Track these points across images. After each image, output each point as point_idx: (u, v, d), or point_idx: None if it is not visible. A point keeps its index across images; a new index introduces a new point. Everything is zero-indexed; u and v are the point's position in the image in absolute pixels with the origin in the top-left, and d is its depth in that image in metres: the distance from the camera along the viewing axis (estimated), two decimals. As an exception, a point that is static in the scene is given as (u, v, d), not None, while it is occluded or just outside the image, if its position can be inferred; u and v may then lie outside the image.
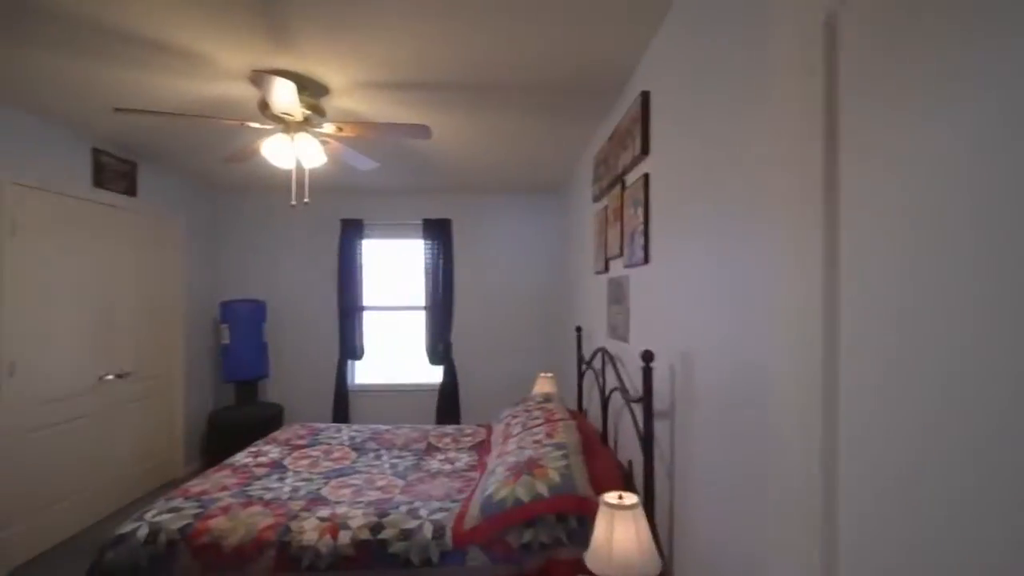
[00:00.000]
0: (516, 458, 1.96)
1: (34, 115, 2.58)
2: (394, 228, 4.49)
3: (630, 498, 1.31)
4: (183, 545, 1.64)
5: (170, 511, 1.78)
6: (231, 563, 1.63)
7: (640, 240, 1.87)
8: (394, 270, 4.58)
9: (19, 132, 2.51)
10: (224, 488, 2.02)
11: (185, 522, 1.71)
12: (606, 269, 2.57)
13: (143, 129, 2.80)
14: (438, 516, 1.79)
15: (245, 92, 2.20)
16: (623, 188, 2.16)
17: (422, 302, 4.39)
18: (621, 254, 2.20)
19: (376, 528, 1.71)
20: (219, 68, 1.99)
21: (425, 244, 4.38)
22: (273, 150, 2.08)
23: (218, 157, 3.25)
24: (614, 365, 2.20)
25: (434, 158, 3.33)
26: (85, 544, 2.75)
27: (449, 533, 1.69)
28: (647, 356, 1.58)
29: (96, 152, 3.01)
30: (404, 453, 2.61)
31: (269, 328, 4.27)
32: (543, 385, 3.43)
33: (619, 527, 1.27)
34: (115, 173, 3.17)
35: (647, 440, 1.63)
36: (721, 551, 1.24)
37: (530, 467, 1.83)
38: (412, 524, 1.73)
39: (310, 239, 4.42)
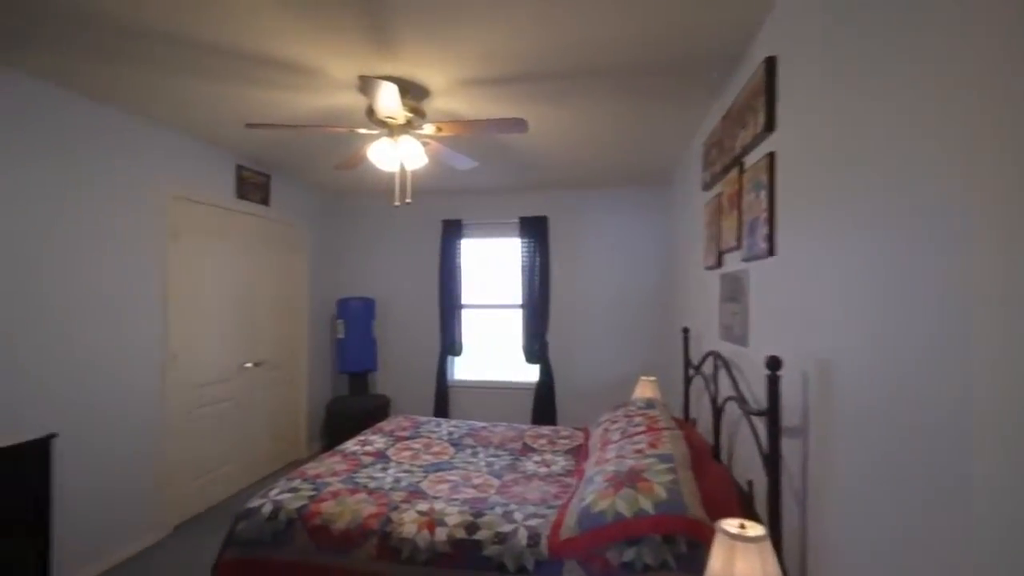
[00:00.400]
0: (616, 467, 1.83)
1: (190, 136, 3.00)
2: (492, 227, 4.54)
3: (755, 528, 1.12)
4: (300, 524, 1.77)
5: (290, 491, 1.94)
6: (339, 546, 1.71)
7: (763, 229, 1.63)
8: (492, 269, 4.63)
9: (180, 152, 2.94)
10: (335, 474, 2.16)
11: (301, 503, 1.85)
12: (719, 264, 2.31)
13: (273, 144, 3.13)
14: (533, 522, 1.72)
15: (353, 101, 2.34)
16: (741, 171, 1.91)
17: (519, 300, 4.39)
18: (738, 246, 1.95)
19: (471, 528, 1.69)
20: (330, 79, 2.13)
21: (522, 242, 4.37)
22: (378, 153, 2.18)
23: (332, 166, 3.53)
24: (729, 371, 1.96)
25: (531, 154, 3.29)
26: (232, 508, 3.15)
27: (544, 542, 1.61)
28: (773, 363, 1.36)
29: (239, 167, 3.43)
30: (500, 452, 2.59)
31: (378, 324, 4.57)
32: (645, 389, 3.21)
33: (741, 562, 1.08)
34: (253, 185, 3.59)
35: (772, 460, 1.40)
36: (878, 608, 1.00)
37: (632, 479, 1.69)
38: (507, 528, 1.68)
39: (414, 240, 4.65)
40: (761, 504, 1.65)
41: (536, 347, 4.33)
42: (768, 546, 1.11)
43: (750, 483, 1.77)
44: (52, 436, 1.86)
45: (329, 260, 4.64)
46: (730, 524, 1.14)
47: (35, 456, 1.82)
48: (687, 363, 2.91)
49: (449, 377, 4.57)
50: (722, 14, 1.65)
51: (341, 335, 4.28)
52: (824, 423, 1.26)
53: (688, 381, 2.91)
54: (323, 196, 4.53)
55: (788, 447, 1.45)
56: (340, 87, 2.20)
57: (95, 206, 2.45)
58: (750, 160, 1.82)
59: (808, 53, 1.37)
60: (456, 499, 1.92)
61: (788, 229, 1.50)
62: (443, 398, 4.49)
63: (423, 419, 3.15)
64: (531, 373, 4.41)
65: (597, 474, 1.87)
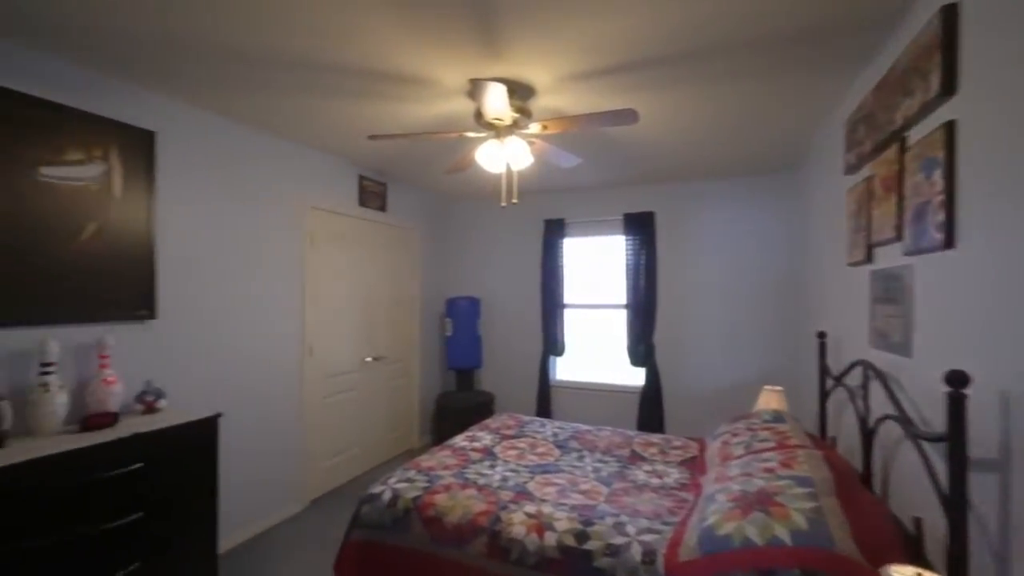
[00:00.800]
0: (742, 487, 1.64)
1: (321, 152, 3.34)
2: (595, 225, 4.43)
3: (937, 582, 0.92)
4: (415, 514, 1.86)
5: (406, 481, 2.05)
6: (451, 540, 1.76)
7: (936, 216, 1.35)
8: (595, 268, 4.52)
9: (314, 167, 3.29)
10: (446, 467, 2.24)
11: (416, 493, 1.94)
12: (868, 259, 1.98)
13: (389, 154, 3.36)
14: (647, 538, 1.61)
15: (462, 107, 2.41)
16: (902, 149, 1.61)
17: (623, 300, 4.22)
18: (897, 237, 1.64)
19: (581, 536, 1.63)
20: (441, 87, 2.21)
21: (626, 240, 4.20)
22: (486, 156, 2.22)
23: (442, 171, 3.70)
24: (885, 385, 1.66)
25: (637, 147, 3.13)
26: (355, 490, 3.46)
27: (661, 560, 1.50)
28: (958, 378, 1.11)
29: (360, 178, 3.75)
30: (607, 458, 2.49)
31: (483, 322, 4.70)
32: (769, 400, 2.90)
33: (919, 621, 0.89)
34: (372, 194, 3.90)
35: (955, 498, 1.14)
36: None
37: (763, 502, 1.50)
38: (619, 540, 1.60)
39: (517, 240, 4.71)
40: (935, 549, 1.37)
41: (642, 349, 4.13)
42: (957, 606, 0.90)
43: (918, 521, 1.48)
44: (219, 415, 2.18)
45: (438, 261, 4.88)
46: (903, 571, 0.94)
47: (206, 432, 2.13)
48: (823, 373, 2.55)
49: (551, 377, 4.55)
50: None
51: (449, 333, 4.48)
52: (1036, 458, 0.99)
53: (825, 394, 2.55)
54: (433, 200, 4.78)
55: (978, 483, 1.17)
56: (450, 94, 2.28)
57: (254, 217, 2.83)
58: (916, 134, 1.52)
59: (1008, -7, 1.09)
60: (564, 504, 1.88)
61: (974, 214, 1.21)
62: (545, 398, 4.49)
63: (527, 418, 3.16)
64: (636, 376, 4.22)
65: (719, 492, 1.70)
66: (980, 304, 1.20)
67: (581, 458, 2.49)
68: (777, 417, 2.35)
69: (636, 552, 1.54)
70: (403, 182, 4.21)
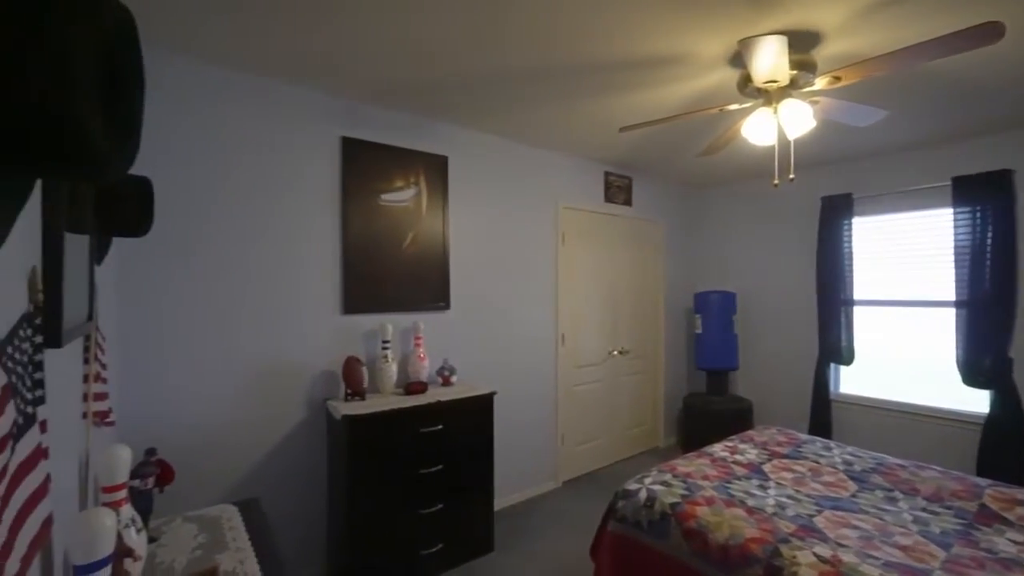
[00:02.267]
0: None
1: (571, 155, 3.51)
2: (898, 198, 3.40)
3: None
4: (674, 521, 1.75)
5: (662, 483, 1.96)
6: (716, 559, 1.59)
7: None
8: (900, 252, 3.46)
9: (563, 169, 3.49)
10: (705, 477, 2.04)
11: (675, 500, 1.82)
12: None
13: (635, 147, 3.29)
14: (1035, 642, 1.11)
15: (720, 79, 2.15)
16: None
17: (951, 296, 3.11)
18: None
19: (908, 607, 1.24)
20: (697, 61, 2.01)
21: (956, 213, 3.08)
22: (753, 127, 1.92)
23: (693, 157, 3.42)
24: None
25: (978, 81, 2.23)
26: (602, 478, 3.56)
27: None
28: None
29: (606, 174, 3.80)
30: (938, 508, 1.86)
31: (739, 320, 4.18)
32: None
33: None
34: (617, 189, 3.90)
35: None
36: None
37: None
38: (978, 632, 1.15)
39: (783, 225, 4.01)
40: None
41: (987, 364, 2.96)
42: None
43: None
44: (494, 392, 2.53)
45: (685, 253, 4.57)
46: None
47: (485, 406, 2.50)
48: None
49: (832, 389, 3.72)
50: None
51: (699, 330, 4.14)
52: None
53: None
54: (679, 190, 4.49)
55: None
56: (707, 67, 2.06)
57: (516, 220, 3.20)
58: None
59: None
60: (874, 557, 1.47)
61: None
62: (823, 414, 3.69)
63: (803, 437, 2.65)
64: (975, 401, 3.06)
65: None
66: None
67: (892, 500, 1.92)
68: None
69: (1013, 657, 1.08)
70: (648, 174, 4.08)
